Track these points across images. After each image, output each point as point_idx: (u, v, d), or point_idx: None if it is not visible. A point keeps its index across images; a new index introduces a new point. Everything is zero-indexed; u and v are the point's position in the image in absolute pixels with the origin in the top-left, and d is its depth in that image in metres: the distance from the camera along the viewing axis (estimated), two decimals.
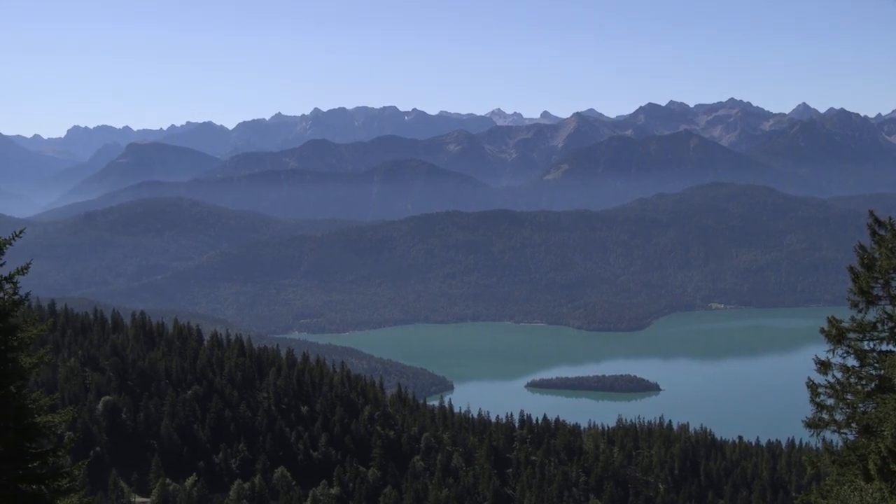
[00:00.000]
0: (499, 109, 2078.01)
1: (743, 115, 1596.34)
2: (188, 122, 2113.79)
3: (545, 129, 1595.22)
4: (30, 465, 31.13)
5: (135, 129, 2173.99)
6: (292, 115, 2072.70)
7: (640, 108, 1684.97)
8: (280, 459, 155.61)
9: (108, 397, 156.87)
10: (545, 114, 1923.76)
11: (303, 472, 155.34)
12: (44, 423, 31.32)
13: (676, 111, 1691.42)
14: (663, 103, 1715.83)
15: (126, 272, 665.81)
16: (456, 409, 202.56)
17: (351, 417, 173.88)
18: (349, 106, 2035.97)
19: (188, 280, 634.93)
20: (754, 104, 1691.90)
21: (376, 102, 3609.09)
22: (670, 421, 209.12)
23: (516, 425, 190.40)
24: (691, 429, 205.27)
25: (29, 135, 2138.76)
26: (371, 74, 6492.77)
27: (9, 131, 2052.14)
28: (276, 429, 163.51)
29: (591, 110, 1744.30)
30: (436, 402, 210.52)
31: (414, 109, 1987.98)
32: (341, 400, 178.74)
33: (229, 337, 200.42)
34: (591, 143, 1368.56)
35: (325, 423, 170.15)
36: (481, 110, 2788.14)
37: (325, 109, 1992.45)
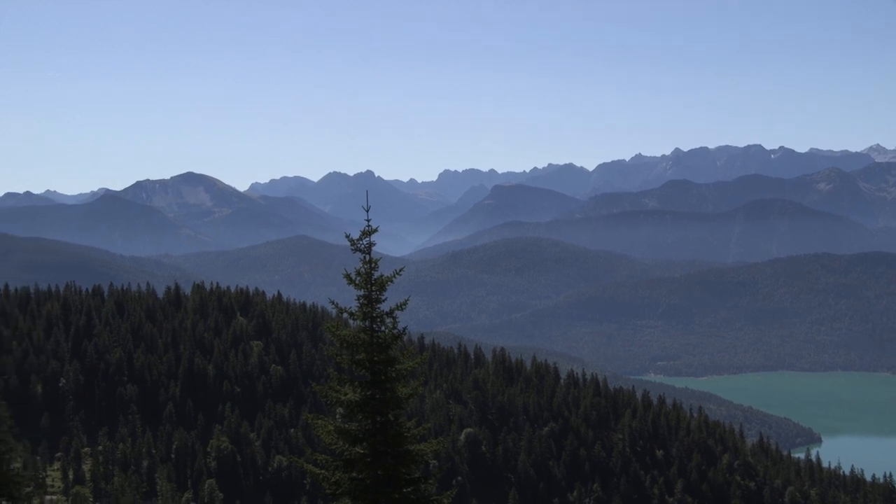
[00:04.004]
0: (878, 145, 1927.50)
1: None
2: (549, 164, 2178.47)
3: None
4: (405, 490, 33.06)
5: (499, 171, 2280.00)
6: (652, 155, 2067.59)
7: None
8: (634, 503, 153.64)
9: (469, 429, 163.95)
10: None
11: None
12: (417, 451, 33.22)
13: None
14: None
15: (488, 309, 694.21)
16: (825, 464, 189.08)
17: (708, 465, 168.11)
18: (711, 145, 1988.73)
19: (546, 318, 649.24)
20: None
21: (740, 141, 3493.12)
22: None
23: None
24: None
25: (405, 179, 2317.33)
26: (735, 112, 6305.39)
27: (388, 176, 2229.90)
28: (630, 471, 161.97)
29: None
30: (802, 455, 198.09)
31: (781, 147, 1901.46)
32: (698, 446, 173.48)
33: (585, 376, 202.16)
34: None
35: (681, 469, 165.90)
36: (857, 146, 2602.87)
37: (685, 149, 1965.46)
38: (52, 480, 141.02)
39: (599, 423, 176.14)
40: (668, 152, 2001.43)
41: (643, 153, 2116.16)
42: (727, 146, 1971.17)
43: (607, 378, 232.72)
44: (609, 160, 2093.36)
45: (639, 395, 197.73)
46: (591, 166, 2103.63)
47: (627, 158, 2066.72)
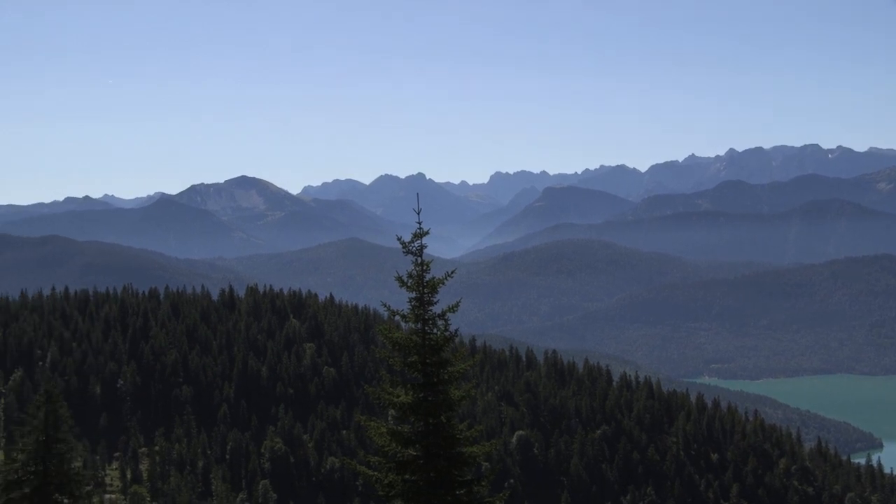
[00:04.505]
0: None
1: None
2: (601, 166, 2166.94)
3: None
4: (457, 493, 33.02)
5: (551, 173, 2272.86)
6: (706, 156, 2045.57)
7: None
8: None
9: (521, 432, 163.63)
10: None
11: None
12: (469, 454, 33.17)
13: None
14: None
15: (539, 311, 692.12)
16: (886, 470, 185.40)
17: (765, 469, 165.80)
18: (766, 145, 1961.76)
19: (598, 320, 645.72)
20: None
21: (796, 141, 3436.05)
22: None
23: None
24: None
25: (457, 181, 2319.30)
26: (791, 112, 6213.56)
27: (439, 179, 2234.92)
28: (685, 475, 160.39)
29: None
30: (862, 460, 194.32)
31: (839, 147, 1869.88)
32: (754, 450, 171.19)
33: (638, 379, 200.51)
34: None
35: (736, 473, 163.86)
36: None
37: (740, 150, 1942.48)
38: (111, 479, 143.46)
39: (653, 426, 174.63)
40: (721, 153, 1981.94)
41: (696, 154, 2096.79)
42: (783, 146, 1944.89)
43: (660, 381, 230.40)
44: (662, 161, 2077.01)
45: (692, 398, 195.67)
46: (643, 167, 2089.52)
47: (680, 159, 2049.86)
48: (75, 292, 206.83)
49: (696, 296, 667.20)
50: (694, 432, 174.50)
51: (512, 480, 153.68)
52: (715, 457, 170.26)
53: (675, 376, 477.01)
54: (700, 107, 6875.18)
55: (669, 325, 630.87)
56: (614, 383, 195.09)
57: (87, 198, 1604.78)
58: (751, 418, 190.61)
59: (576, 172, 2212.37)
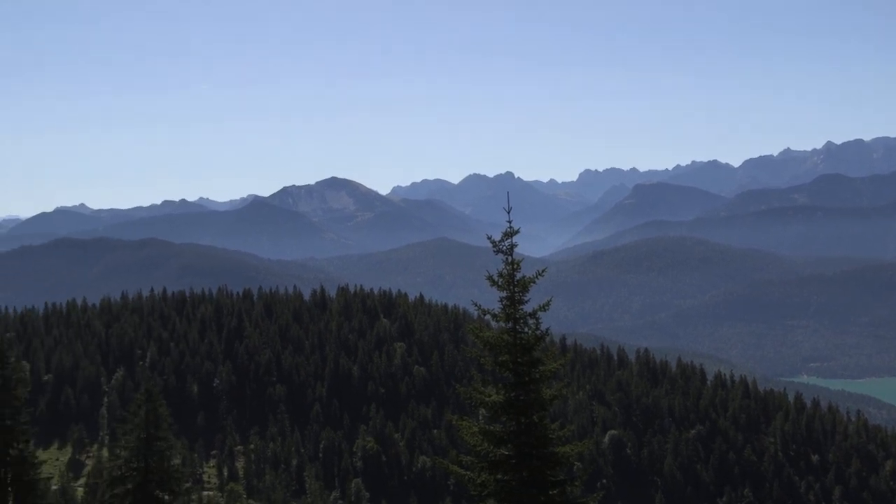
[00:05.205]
0: None
1: None
2: (693, 162, 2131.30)
3: None
4: (550, 493, 32.73)
5: (641, 170, 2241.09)
6: (802, 149, 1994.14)
7: None
8: None
9: (613, 431, 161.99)
10: None
11: None
12: (562, 454, 32.84)
13: None
14: None
15: (631, 310, 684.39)
16: None
17: (869, 471, 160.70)
18: (867, 137, 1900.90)
19: (692, 318, 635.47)
20: None
21: None
22: None
23: None
24: None
25: (545, 179, 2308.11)
26: (893, 102, 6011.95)
27: (528, 177, 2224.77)
28: (783, 476, 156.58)
29: None
30: None
31: None
32: (857, 451, 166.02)
33: (733, 378, 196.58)
34: None
35: (838, 475, 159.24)
36: None
37: (838, 142, 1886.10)
38: (209, 477, 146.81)
39: (749, 426, 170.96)
40: (819, 146, 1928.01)
41: (792, 147, 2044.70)
42: (885, 137, 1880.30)
43: (757, 380, 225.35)
44: (756, 156, 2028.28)
45: (791, 397, 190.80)
46: (736, 163, 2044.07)
47: (775, 153, 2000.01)
48: (172, 293, 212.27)
49: (792, 292, 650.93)
50: (793, 432, 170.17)
51: (604, 480, 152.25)
52: (815, 458, 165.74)
53: (771, 375, 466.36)
54: (795, 100, 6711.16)
55: (765, 322, 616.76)
56: (708, 382, 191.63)
57: (183, 201, 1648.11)
58: (853, 418, 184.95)
59: (666, 169, 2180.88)
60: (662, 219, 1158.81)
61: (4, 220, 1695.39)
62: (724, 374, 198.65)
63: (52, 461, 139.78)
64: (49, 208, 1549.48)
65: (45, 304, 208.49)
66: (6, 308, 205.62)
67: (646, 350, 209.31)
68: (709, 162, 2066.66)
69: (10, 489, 45.66)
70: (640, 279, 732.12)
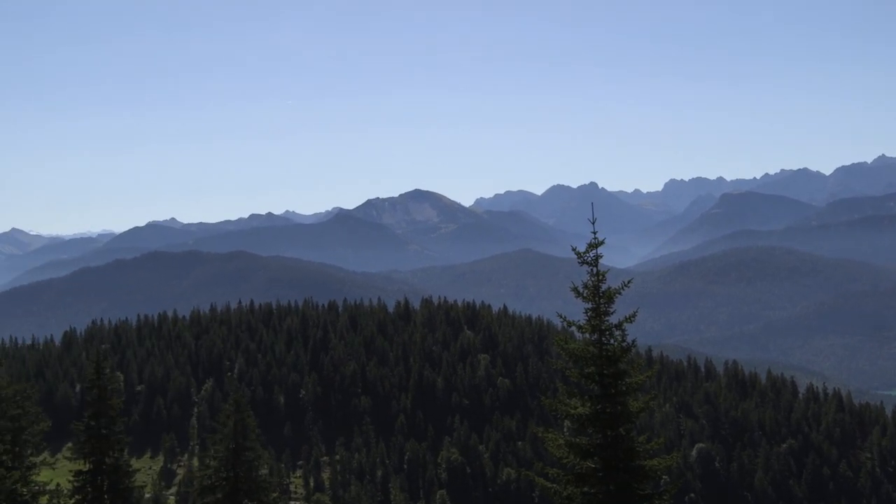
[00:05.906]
0: None
1: None
2: (782, 170, 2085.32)
3: None
4: None
5: (728, 179, 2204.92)
6: None
7: None
8: None
9: (701, 445, 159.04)
10: None
11: None
12: (650, 467, 32.37)
13: None
14: None
15: (718, 321, 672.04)
16: None
17: None
18: None
19: (781, 330, 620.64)
20: None
21: None
22: None
23: None
24: None
25: (630, 189, 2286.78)
26: None
27: (612, 187, 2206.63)
28: (882, 493, 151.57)
29: None
30: None
31: None
32: None
33: (826, 391, 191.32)
34: None
35: None
36: None
37: None
38: (295, 487, 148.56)
39: (844, 441, 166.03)
40: None
41: (887, 154, 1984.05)
42: None
43: (851, 393, 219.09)
44: (848, 163, 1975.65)
45: (888, 411, 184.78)
46: (827, 170, 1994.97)
47: (869, 161, 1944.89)
48: (259, 305, 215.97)
49: (889, 303, 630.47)
50: (891, 447, 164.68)
51: (692, 495, 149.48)
52: None
53: (867, 388, 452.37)
54: (890, 106, 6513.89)
55: (859, 334, 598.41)
56: (800, 395, 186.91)
57: (269, 214, 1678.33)
58: None
59: (754, 178, 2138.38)
60: (751, 228, 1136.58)
61: (100, 235, 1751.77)
62: (817, 387, 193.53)
63: (144, 470, 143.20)
64: (141, 223, 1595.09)
65: (138, 315, 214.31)
66: (102, 320, 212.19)
67: (734, 362, 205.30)
68: (799, 170, 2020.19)
69: (106, 497, 46.94)
70: (727, 290, 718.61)
